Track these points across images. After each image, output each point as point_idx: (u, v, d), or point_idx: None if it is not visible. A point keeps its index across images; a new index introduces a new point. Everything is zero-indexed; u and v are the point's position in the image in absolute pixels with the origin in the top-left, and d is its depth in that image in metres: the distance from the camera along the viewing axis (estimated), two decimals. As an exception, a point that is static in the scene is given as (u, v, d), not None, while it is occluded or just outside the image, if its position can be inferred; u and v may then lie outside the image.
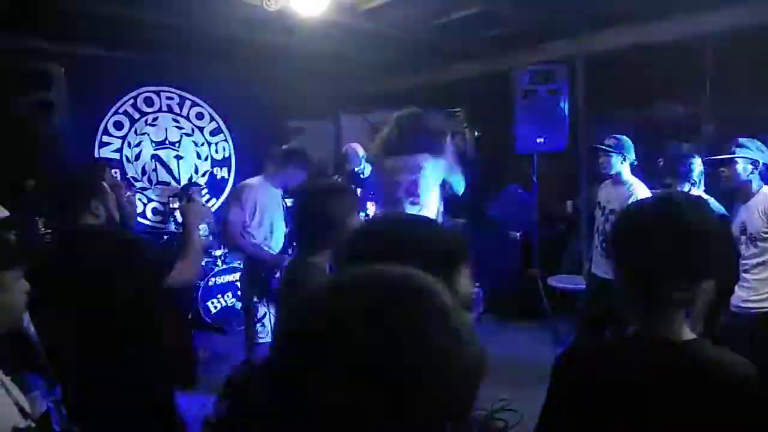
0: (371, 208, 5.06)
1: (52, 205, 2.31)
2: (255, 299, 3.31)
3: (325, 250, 1.89)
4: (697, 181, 3.39)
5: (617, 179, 3.76)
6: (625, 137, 3.76)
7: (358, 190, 5.13)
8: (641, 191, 3.70)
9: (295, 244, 2.03)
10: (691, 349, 1.15)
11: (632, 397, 1.12)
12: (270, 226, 3.46)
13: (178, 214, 4.48)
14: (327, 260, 1.94)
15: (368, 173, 5.12)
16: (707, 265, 1.15)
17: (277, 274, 3.22)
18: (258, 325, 3.32)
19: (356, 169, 5.16)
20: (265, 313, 3.30)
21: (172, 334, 2.62)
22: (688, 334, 1.17)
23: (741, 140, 3.01)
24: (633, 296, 1.19)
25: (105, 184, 2.45)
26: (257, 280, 3.30)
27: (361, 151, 5.12)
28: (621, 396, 1.14)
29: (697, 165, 3.41)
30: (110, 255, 2.04)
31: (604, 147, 3.72)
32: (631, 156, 3.73)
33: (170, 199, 4.71)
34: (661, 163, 4.02)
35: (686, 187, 3.34)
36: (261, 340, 3.29)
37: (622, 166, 3.71)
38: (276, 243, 3.47)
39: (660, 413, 1.09)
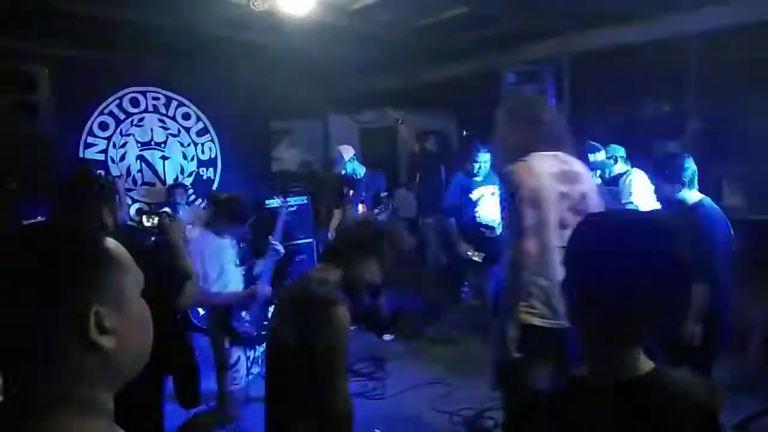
0: (361, 210, 5.00)
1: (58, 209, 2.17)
2: (227, 345, 3.06)
3: None
4: (688, 182, 2.98)
5: None
6: None
7: (351, 192, 5.05)
8: None
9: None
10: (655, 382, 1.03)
11: None
12: (219, 272, 3.08)
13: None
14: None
15: (362, 174, 5.06)
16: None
17: (245, 314, 3.11)
18: (232, 370, 3.06)
19: (345, 172, 5.05)
20: (239, 358, 3.08)
21: (180, 355, 2.55)
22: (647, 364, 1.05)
23: None
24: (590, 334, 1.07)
25: (119, 190, 2.35)
26: (227, 326, 3.06)
27: (347, 154, 5.03)
28: None
29: (690, 165, 2.99)
30: None
31: None
32: None
33: (143, 217, 4.35)
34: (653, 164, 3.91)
35: (677, 189, 2.98)
36: (235, 386, 3.05)
37: None
38: (225, 284, 3.13)
39: None
